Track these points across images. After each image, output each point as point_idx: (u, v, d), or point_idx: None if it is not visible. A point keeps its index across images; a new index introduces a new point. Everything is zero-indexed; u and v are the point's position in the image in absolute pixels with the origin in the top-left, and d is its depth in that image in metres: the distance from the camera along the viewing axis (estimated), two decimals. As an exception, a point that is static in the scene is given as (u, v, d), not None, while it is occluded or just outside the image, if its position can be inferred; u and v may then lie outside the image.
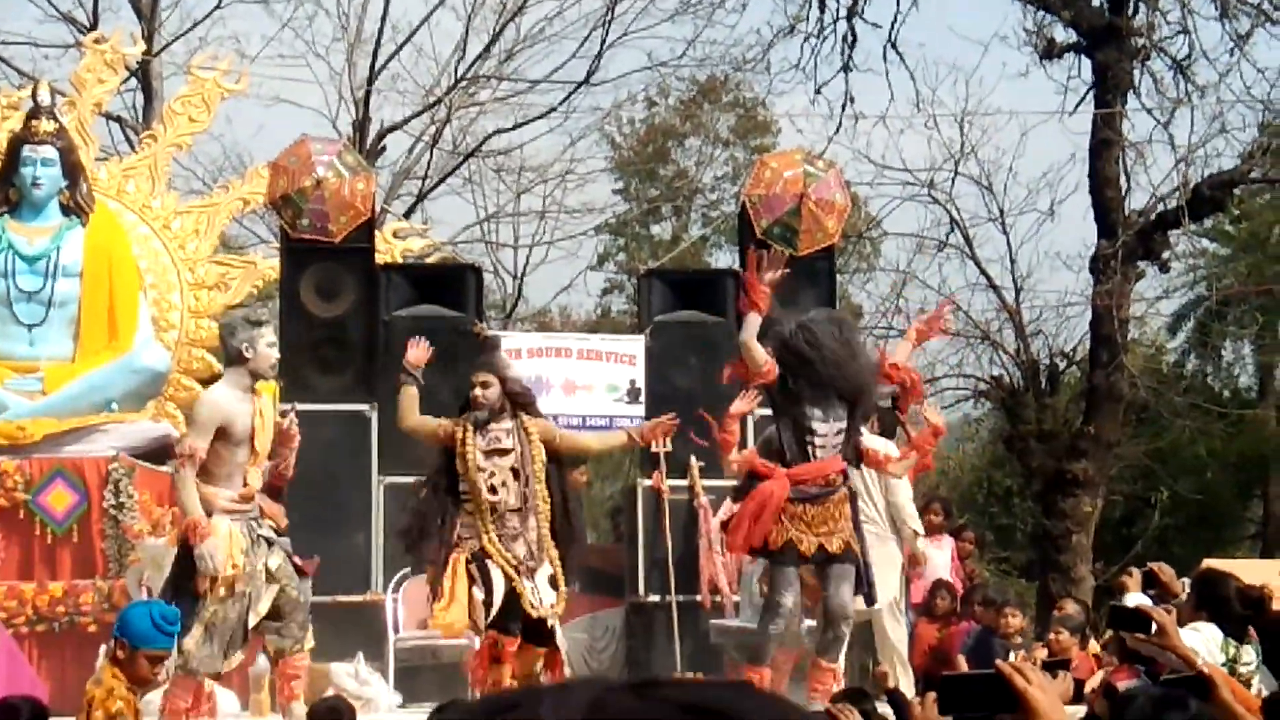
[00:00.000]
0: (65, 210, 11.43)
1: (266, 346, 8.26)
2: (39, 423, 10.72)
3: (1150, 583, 7.01)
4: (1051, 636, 9.15)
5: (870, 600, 8.84)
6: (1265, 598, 5.99)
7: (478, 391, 8.15)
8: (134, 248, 11.88)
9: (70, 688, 8.76)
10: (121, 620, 6.86)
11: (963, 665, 9.46)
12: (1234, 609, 5.92)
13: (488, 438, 8.08)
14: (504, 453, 8.09)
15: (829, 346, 8.34)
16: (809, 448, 8.32)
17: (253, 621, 8.18)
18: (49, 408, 10.91)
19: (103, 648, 8.91)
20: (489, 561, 7.98)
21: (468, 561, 8.00)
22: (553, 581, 8.14)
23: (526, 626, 8.03)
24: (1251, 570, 9.42)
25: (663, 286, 12.00)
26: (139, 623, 6.76)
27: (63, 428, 10.75)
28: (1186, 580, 7.09)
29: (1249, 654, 5.98)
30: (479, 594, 7.93)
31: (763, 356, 8.26)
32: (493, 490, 8.01)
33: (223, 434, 8.11)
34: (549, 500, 8.18)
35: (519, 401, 8.28)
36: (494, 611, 7.94)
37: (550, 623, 8.12)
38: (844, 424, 8.33)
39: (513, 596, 7.97)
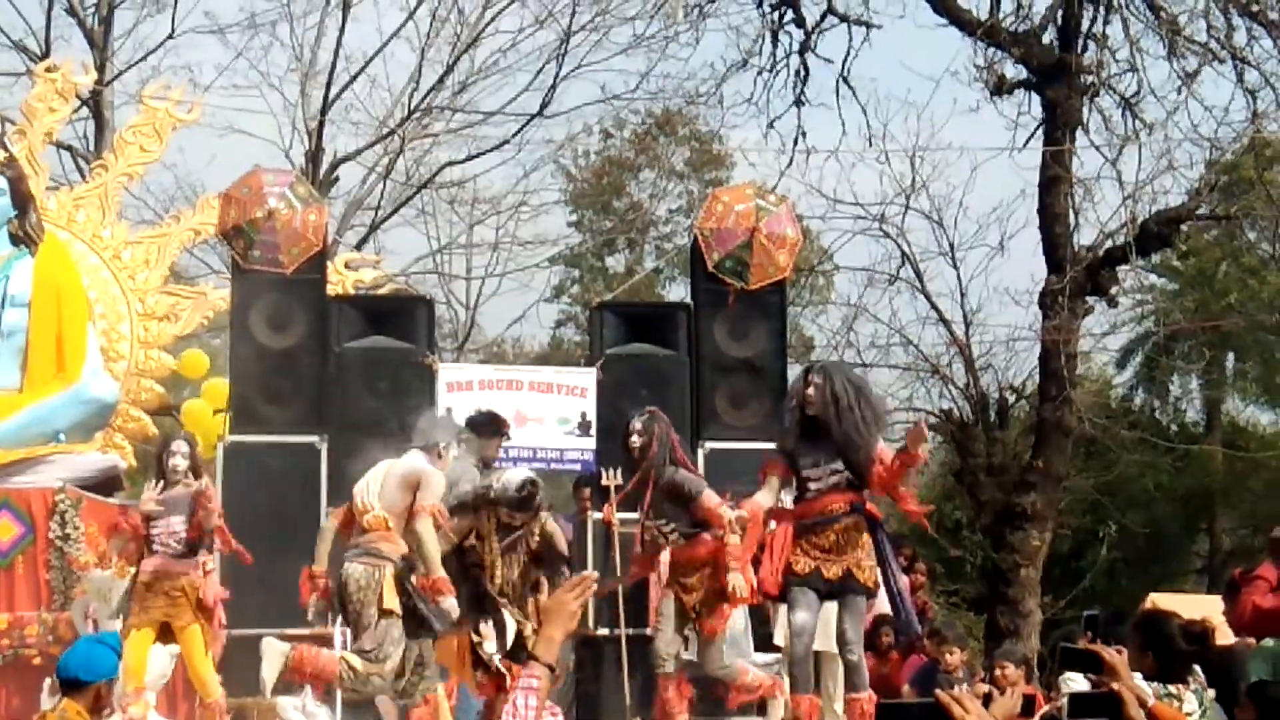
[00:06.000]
0: (14, 240, 11.39)
1: (454, 460, 8.96)
2: (-15, 453, 10.65)
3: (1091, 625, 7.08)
4: (998, 672, 9.21)
5: (909, 629, 9.01)
6: (1208, 631, 6.04)
7: (517, 523, 8.54)
8: (83, 278, 11.84)
9: (15, 719, 8.69)
10: (91, 664, 6.75)
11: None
12: (1178, 645, 5.96)
13: (505, 539, 8.55)
14: (515, 544, 8.57)
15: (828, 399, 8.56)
16: (806, 492, 8.64)
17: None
18: (-5, 438, 10.84)
19: (47, 680, 8.85)
20: (495, 597, 8.50)
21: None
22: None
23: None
24: (1194, 605, 9.50)
25: (615, 319, 12.01)
26: (107, 658, 6.75)
27: (9, 459, 10.69)
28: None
29: (1190, 701, 6.03)
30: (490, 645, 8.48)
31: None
32: (511, 585, 8.52)
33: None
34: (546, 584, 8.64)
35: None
36: (501, 647, 8.48)
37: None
38: (836, 465, 8.48)
39: (520, 637, 8.45)
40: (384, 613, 8.54)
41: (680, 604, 9.21)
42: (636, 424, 9.25)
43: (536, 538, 8.62)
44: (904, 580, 8.80)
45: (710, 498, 8.98)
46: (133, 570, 9.53)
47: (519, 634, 8.46)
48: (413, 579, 8.66)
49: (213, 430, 11.57)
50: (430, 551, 8.51)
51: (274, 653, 8.67)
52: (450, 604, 8.46)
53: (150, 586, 9.10)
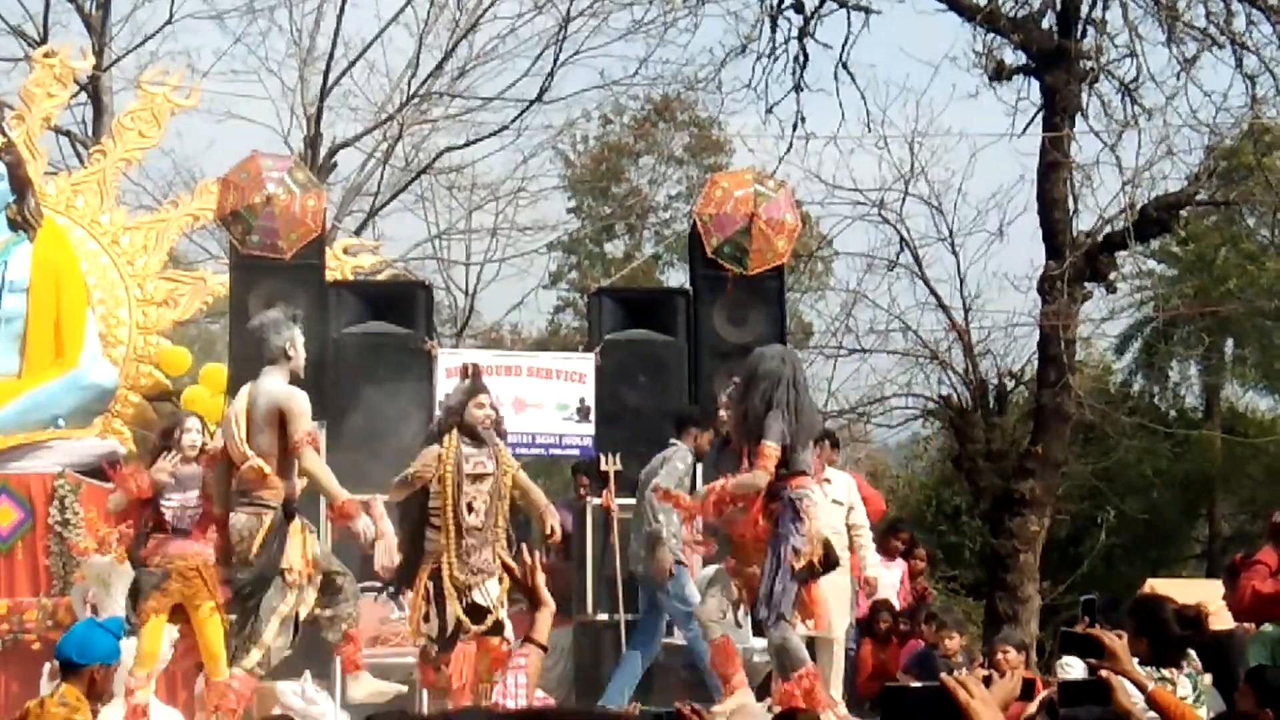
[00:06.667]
0: (12, 225, 11.38)
1: (303, 347, 8.59)
2: (-17, 439, 10.65)
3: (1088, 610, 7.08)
4: (1000, 656, 9.22)
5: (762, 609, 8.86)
6: (1201, 616, 6.05)
7: (486, 412, 8.45)
8: (82, 263, 11.83)
9: (14, 704, 8.70)
10: (85, 646, 6.74)
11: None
12: (1173, 630, 5.98)
13: (472, 462, 8.37)
14: (483, 478, 8.39)
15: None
16: None
17: (304, 614, 8.48)
18: (-6, 424, 10.84)
19: (46, 665, 8.86)
20: (444, 585, 8.33)
21: (429, 576, 8.42)
22: (500, 580, 8.48)
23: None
24: (1194, 591, 9.51)
25: (613, 305, 12.02)
26: (103, 641, 6.75)
27: (8, 444, 10.68)
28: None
29: (1184, 685, 6.06)
30: (432, 619, 8.39)
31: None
32: (470, 510, 8.32)
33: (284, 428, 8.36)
34: (507, 521, 8.55)
35: (498, 428, 8.62)
36: (436, 630, 8.39)
37: (501, 616, 8.51)
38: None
39: (456, 624, 8.37)
40: (250, 564, 8.31)
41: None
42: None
43: (504, 465, 8.48)
44: (784, 564, 8.58)
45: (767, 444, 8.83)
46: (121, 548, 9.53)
47: (455, 622, 8.36)
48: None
49: (213, 415, 11.56)
50: (325, 480, 8.30)
51: None
52: (364, 523, 8.28)
53: (165, 567, 9.03)
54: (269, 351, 8.50)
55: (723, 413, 9.23)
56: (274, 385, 8.41)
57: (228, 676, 8.55)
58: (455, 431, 8.42)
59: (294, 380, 8.54)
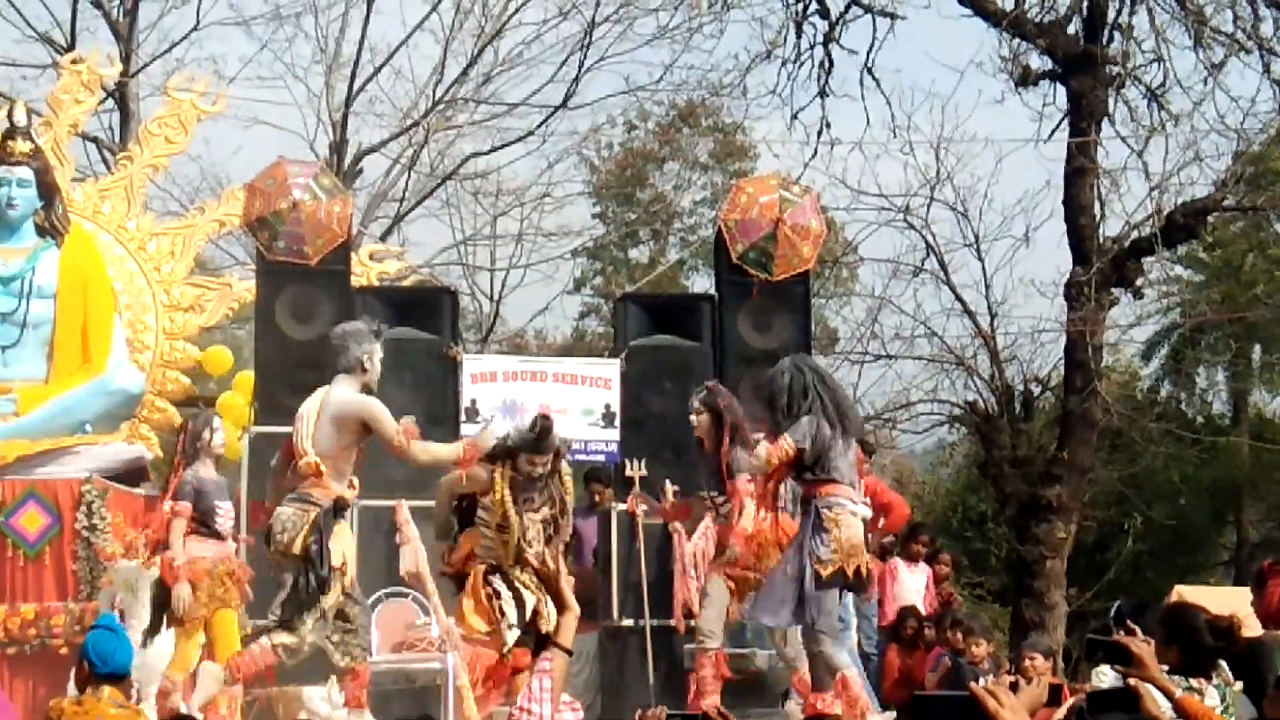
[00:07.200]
0: (40, 231, 11.44)
1: (380, 362, 8.64)
2: (12, 444, 10.70)
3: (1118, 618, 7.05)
4: (1026, 663, 9.19)
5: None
6: (1234, 627, 6.01)
7: (537, 472, 8.28)
8: (109, 269, 11.89)
9: (41, 709, 8.71)
10: (127, 655, 6.71)
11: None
12: (1204, 640, 5.94)
13: (521, 498, 8.29)
14: (536, 509, 8.32)
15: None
16: None
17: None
18: (22, 429, 10.88)
19: (74, 670, 8.88)
20: (513, 577, 8.21)
21: (486, 573, 8.22)
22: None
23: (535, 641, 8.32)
24: (1221, 597, 9.45)
25: (639, 310, 12.02)
26: (126, 641, 6.76)
27: (35, 449, 10.72)
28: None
29: (1212, 695, 6.01)
30: (509, 608, 8.16)
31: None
32: (528, 542, 8.23)
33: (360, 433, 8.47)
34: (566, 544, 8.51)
35: (558, 452, 8.49)
36: (515, 623, 8.17)
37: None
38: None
39: (534, 614, 8.20)
40: (292, 558, 8.32)
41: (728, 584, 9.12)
42: (694, 402, 9.21)
43: (567, 490, 8.45)
44: (806, 571, 8.52)
45: (742, 480, 8.88)
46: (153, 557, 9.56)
47: (534, 612, 8.26)
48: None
49: (244, 422, 11.60)
50: (439, 454, 8.40)
51: (208, 678, 8.53)
52: (489, 432, 8.37)
53: (211, 573, 9.07)
54: (346, 361, 8.58)
55: (693, 418, 9.24)
56: (347, 393, 8.52)
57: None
58: (509, 464, 8.32)
59: (369, 390, 8.61)
